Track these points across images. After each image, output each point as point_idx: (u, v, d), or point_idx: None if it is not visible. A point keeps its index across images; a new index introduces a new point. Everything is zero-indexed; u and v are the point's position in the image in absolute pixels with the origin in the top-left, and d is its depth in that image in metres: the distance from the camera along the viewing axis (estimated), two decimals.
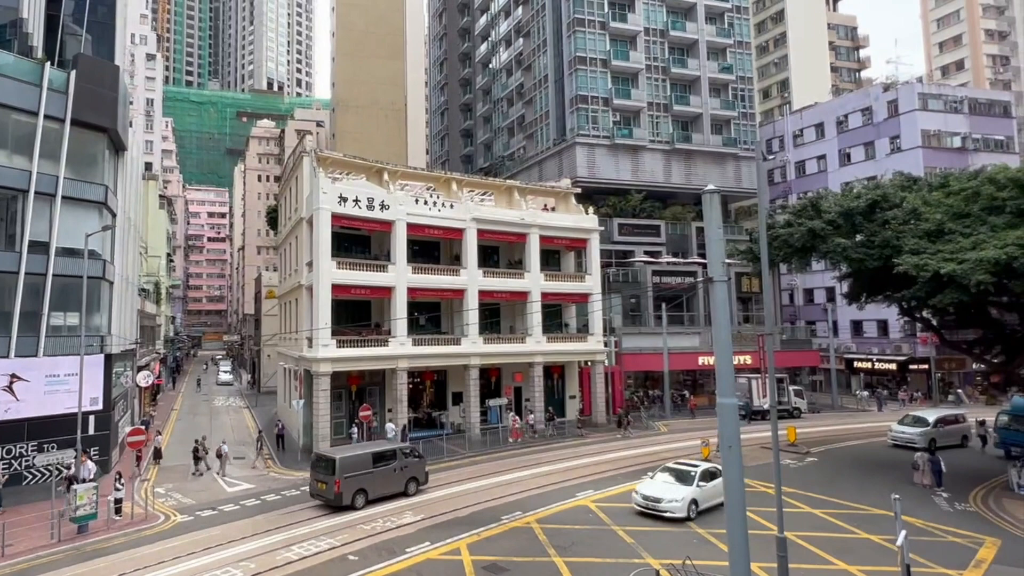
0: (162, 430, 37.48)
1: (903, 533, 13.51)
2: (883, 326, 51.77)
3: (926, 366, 48.47)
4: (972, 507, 21.28)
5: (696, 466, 21.17)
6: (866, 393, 48.70)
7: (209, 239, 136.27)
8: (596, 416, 38.49)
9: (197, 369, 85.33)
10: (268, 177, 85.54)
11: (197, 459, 28.33)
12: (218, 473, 27.65)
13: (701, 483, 20.27)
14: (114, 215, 29.03)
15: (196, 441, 29.24)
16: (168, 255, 66.12)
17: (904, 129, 52.42)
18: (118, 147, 30.12)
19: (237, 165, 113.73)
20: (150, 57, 76.32)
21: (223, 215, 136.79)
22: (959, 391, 47.99)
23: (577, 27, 53.34)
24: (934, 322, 28.51)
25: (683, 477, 20.75)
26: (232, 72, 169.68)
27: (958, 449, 30.94)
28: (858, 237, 26.81)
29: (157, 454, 30.05)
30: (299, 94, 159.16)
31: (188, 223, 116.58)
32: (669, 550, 17.09)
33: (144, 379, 33.98)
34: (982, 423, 31.73)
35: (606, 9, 54.36)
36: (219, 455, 28.47)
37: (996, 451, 29.00)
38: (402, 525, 19.90)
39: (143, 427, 27.83)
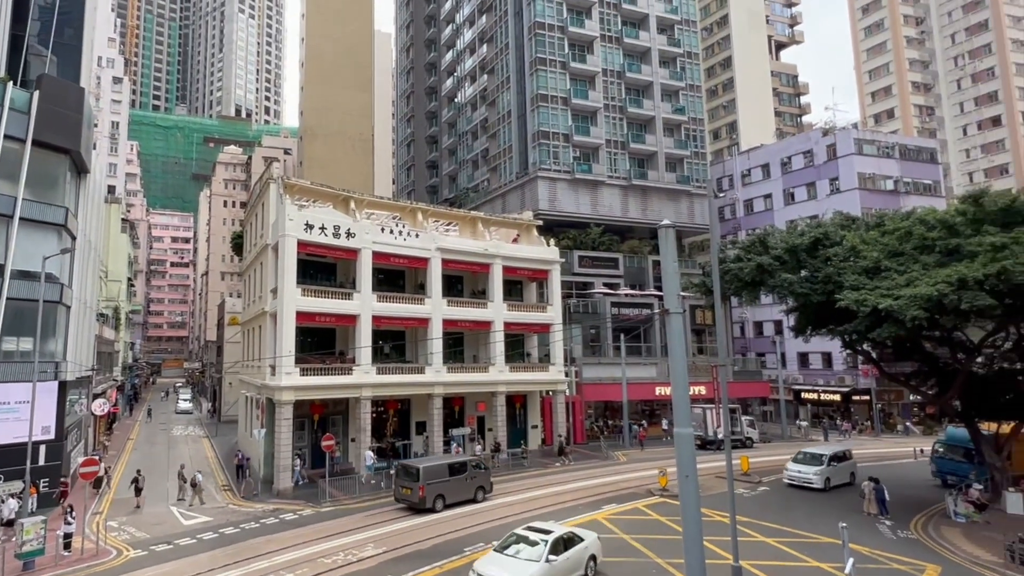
0: (116, 461, 35.66)
1: (851, 561, 13.67)
2: (827, 358, 52.94)
3: (868, 397, 49.74)
4: (914, 534, 21.65)
5: (549, 532, 16.97)
6: (805, 423, 49.59)
7: (172, 264, 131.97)
8: (557, 445, 37.85)
9: (156, 397, 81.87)
10: (234, 203, 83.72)
11: (182, 487, 27.43)
12: (189, 505, 26.54)
13: (552, 556, 16.04)
14: (74, 238, 27.88)
15: (181, 466, 28.47)
16: (129, 280, 63.64)
17: (842, 171, 54.65)
18: (80, 169, 29.06)
19: (203, 190, 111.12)
20: (117, 80, 74.45)
21: (187, 240, 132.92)
22: (907, 423, 49.26)
23: (539, 66, 54.31)
24: (874, 355, 29.23)
25: (529, 548, 16.54)
26: (200, 98, 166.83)
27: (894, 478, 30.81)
28: (803, 272, 27.27)
29: (97, 483, 28.31)
30: (267, 121, 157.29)
31: (151, 247, 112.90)
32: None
33: (100, 407, 32.32)
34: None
35: (566, 50, 55.56)
36: (193, 484, 27.31)
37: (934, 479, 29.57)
38: (363, 559, 19.18)
39: (96, 458, 26.42)
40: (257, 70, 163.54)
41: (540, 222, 43.70)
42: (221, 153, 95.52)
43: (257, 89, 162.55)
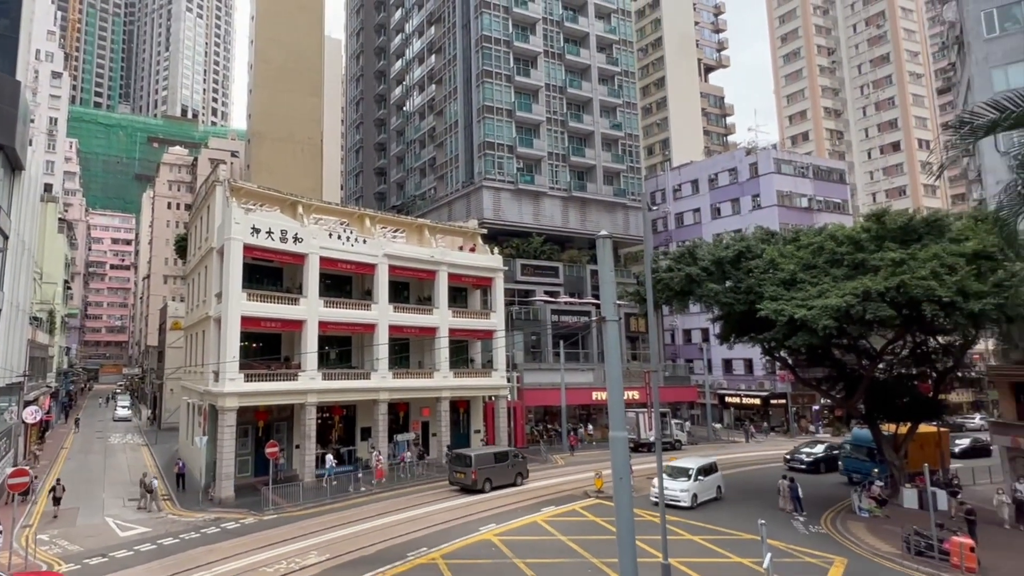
0: (47, 471, 33.25)
1: (768, 556, 14.13)
2: (749, 364, 54.66)
3: (784, 401, 51.76)
4: (824, 529, 22.55)
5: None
6: (718, 425, 50.84)
7: (112, 266, 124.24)
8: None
9: (93, 404, 76.84)
10: (178, 205, 79.82)
11: (149, 492, 26.17)
12: (146, 509, 25.51)
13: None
14: (6, 237, 25.81)
15: (144, 474, 27.26)
16: (65, 282, 59.64)
17: (763, 189, 56.87)
18: (14, 166, 26.92)
19: (146, 191, 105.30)
20: (56, 75, 69.63)
21: (128, 242, 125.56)
22: (818, 425, 51.38)
23: (485, 78, 54.20)
24: (790, 361, 30.25)
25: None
26: (144, 96, 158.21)
27: (808, 475, 31.40)
28: (728, 283, 27.76)
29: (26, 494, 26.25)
30: (214, 123, 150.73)
31: (89, 249, 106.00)
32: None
33: (31, 415, 30.02)
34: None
35: (512, 64, 55.67)
36: (149, 490, 25.94)
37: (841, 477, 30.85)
38: (305, 567, 18.54)
39: (26, 468, 24.52)
40: (204, 70, 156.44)
41: (485, 231, 43.56)
42: (166, 154, 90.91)
43: (204, 90, 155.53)
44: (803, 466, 33.64)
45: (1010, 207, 9.71)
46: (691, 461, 26.96)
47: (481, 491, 27.99)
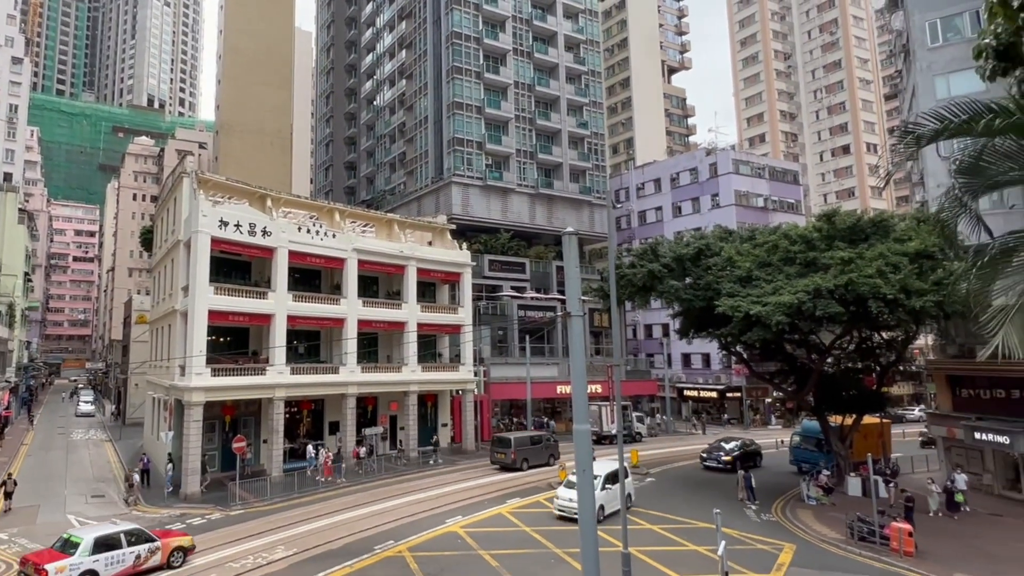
0: (5, 468, 31.82)
1: (723, 543, 14.37)
2: (707, 359, 55.46)
3: (739, 394, 52.76)
4: (775, 517, 23.09)
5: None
6: (665, 417, 51.06)
7: (75, 259, 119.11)
8: (466, 443, 37.78)
9: (55, 399, 73.85)
10: (144, 196, 77.05)
11: (131, 486, 25.60)
12: (129, 501, 24.99)
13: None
14: None
15: (129, 470, 26.81)
16: (26, 274, 57.00)
17: (722, 189, 57.71)
18: None
19: (111, 182, 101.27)
20: (16, 60, 66.08)
21: (92, 234, 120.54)
22: (771, 416, 52.35)
23: (456, 74, 53.62)
24: (745, 355, 30.85)
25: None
26: (110, 85, 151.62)
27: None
28: (688, 280, 28.02)
29: None
30: (181, 114, 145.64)
31: (52, 240, 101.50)
32: (529, 570, 17.01)
33: None
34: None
35: (481, 61, 55.22)
36: (131, 484, 25.38)
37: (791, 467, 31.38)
38: (272, 561, 18.17)
39: None
40: (172, 60, 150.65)
41: (453, 226, 43.19)
42: (131, 144, 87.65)
43: (171, 79, 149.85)
44: (719, 465, 31.03)
45: (950, 209, 9.97)
46: (599, 467, 21.46)
47: (519, 469, 31.00)
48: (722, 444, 33.15)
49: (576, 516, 18.07)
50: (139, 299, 52.23)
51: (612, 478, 22.65)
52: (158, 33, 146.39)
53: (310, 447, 31.04)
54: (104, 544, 16.63)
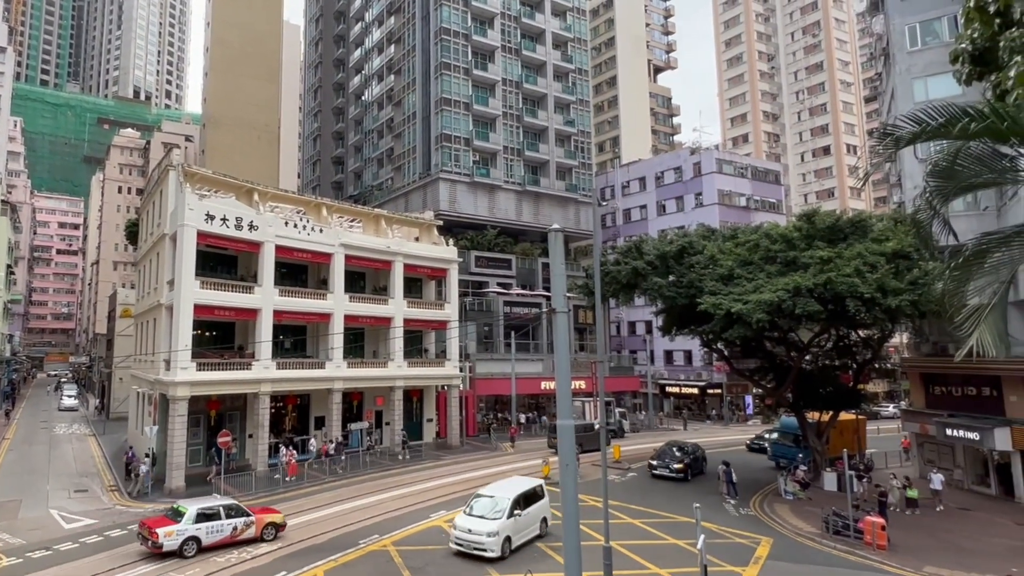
0: None
1: (702, 537, 14.44)
2: (688, 356, 55.79)
3: (720, 391, 53.11)
4: (753, 511, 23.29)
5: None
6: (644, 414, 51.41)
7: (59, 251, 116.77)
8: (451, 438, 37.64)
9: (38, 393, 72.38)
10: (130, 189, 75.70)
11: (136, 476, 25.59)
12: (130, 493, 24.84)
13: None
14: None
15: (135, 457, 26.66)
16: (9, 267, 55.85)
17: (705, 188, 57.95)
18: None
19: (95, 174, 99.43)
20: (0, 50, 64.63)
21: (76, 226, 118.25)
22: (747, 412, 52.83)
23: (444, 70, 53.21)
24: (726, 352, 31.04)
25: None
26: (95, 76, 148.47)
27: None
28: (671, 277, 27.92)
29: None
30: (168, 106, 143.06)
31: (35, 233, 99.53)
32: (512, 565, 16.99)
33: None
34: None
35: (470, 57, 54.82)
36: (137, 474, 25.20)
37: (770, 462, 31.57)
38: (257, 556, 18.00)
39: None
40: (159, 51, 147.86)
41: (440, 222, 42.98)
42: (117, 136, 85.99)
43: (158, 71, 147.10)
44: (671, 474, 27.73)
45: (925, 211, 10.05)
46: (507, 487, 19.02)
47: None
48: (675, 451, 29.37)
49: (476, 551, 17.02)
50: (124, 293, 51.37)
51: (526, 499, 18.60)
52: (144, 24, 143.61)
53: (312, 440, 30.86)
54: (206, 515, 18.37)
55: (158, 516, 18.92)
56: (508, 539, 17.64)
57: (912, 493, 23.02)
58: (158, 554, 17.65)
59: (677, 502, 23.76)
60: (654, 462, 28.74)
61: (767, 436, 35.32)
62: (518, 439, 39.34)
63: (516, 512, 18.08)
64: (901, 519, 21.85)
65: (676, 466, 27.99)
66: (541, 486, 20.02)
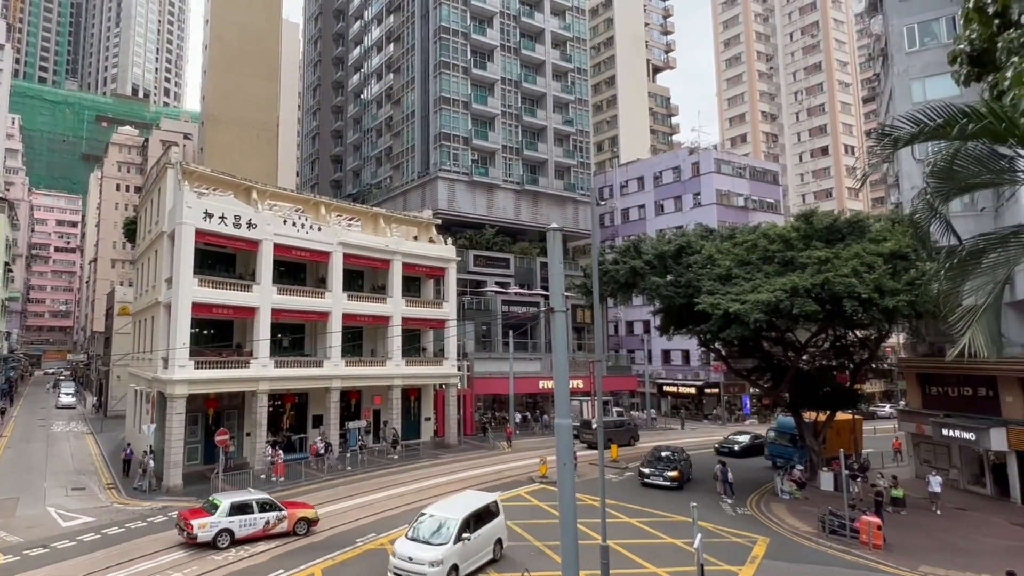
0: None
1: (699, 536, 14.45)
2: (686, 355, 55.77)
3: (717, 390, 53.14)
4: (749, 511, 23.32)
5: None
6: (641, 413, 51.83)
7: (57, 249, 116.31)
8: (449, 437, 37.60)
9: (36, 391, 72.12)
10: (128, 187, 75.50)
11: (143, 472, 25.67)
12: (137, 488, 25.15)
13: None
14: None
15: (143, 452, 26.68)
16: (7, 264, 55.73)
17: (704, 187, 57.96)
18: None
19: (94, 172, 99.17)
20: None
21: (74, 224, 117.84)
22: (743, 412, 52.91)
23: (443, 69, 53.12)
24: (723, 352, 31.09)
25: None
26: (93, 73, 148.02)
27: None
28: (668, 277, 27.99)
29: None
30: (166, 103, 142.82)
31: (33, 230, 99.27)
32: (508, 562, 16.99)
33: None
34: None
35: (469, 56, 54.74)
36: (144, 469, 25.26)
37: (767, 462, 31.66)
38: (255, 554, 17.99)
39: None
40: (157, 48, 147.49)
41: (439, 221, 42.96)
42: (115, 133, 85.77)
43: (157, 68, 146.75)
44: (665, 482, 26.04)
45: (923, 211, 10.06)
46: (455, 506, 16.96)
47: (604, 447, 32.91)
48: (662, 454, 28.01)
49: None
50: (122, 291, 51.32)
51: (478, 520, 16.47)
52: (143, 22, 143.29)
53: (318, 438, 30.81)
54: (239, 508, 18.92)
55: (197, 507, 19.61)
56: (455, 568, 15.28)
57: (897, 492, 23.02)
58: (193, 545, 18.21)
59: (674, 501, 23.78)
60: (645, 470, 26.80)
61: (738, 439, 35.23)
62: (516, 438, 39.28)
63: (465, 536, 15.77)
64: (896, 519, 21.89)
65: (671, 474, 26.20)
66: (495, 503, 17.90)
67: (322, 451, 30.55)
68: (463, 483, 27.30)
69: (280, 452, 28.70)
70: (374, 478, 28.44)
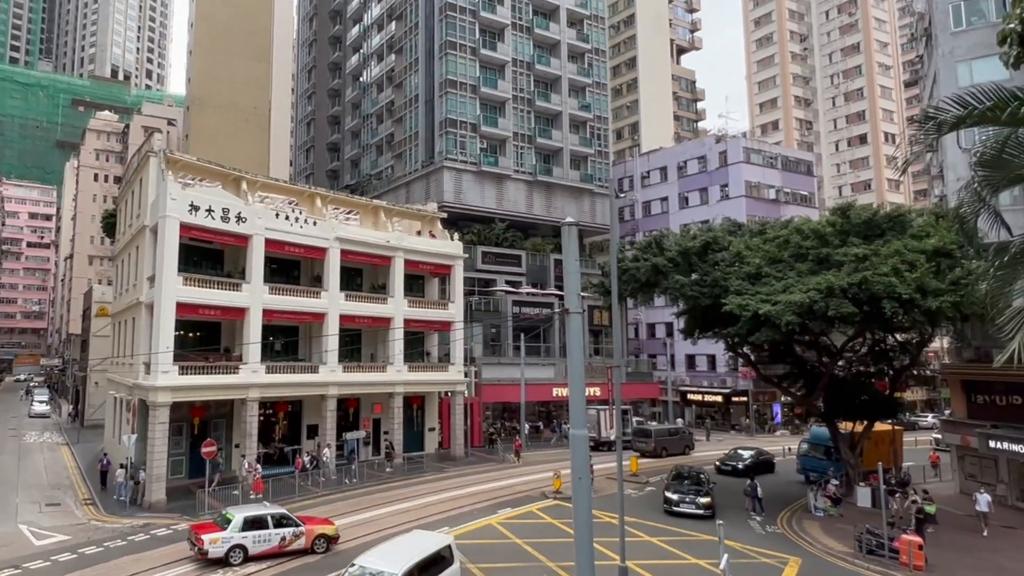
0: None
1: (725, 557, 14.64)
2: (712, 360, 55.76)
3: (746, 399, 53.18)
4: (780, 529, 23.43)
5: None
6: (680, 422, 52.13)
7: (29, 244, 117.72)
8: (455, 449, 37.82)
9: (6, 398, 72.83)
10: (107, 177, 76.54)
11: (136, 484, 26.07)
12: (130, 500, 25.52)
13: None
14: None
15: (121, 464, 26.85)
16: None
17: (731, 179, 57.96)
18: None
19: (69, 160, 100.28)
20: None
21: (48, 217, 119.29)
22: (775, 422, 52.77)
23: (449, 50, 53.25)
24: (752, 357, 31.26)
25: None
26: (69, 54, 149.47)
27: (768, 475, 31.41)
28: (693, 276, 28.07)
29: None
30: (148, 86, 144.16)
31: (3, 224, 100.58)
32: None
33: None
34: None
35: (477, 36, 54.87)
36: (136, 481, 25.63)
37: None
38: (268, 572, 18.37)
39: None
40: (139, 27, 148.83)
41: (444, 215, 43.27)
42: (93, 119, 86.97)
43: (138, 49, 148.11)
44: (698, 511, 24.41)
45: (970, 204, 10.10)
46: (397, 552, 15.07)
47: (659, 456, 38.33)
48: (690, 475, 26.98)
49: None
50: (100, 289, 52.00)
51: (422, 571, 14.54)
52: None
53: (326, 450, 31.16)
54: (253, 523, 19.21)
55: (208, 522, 20.05)
56: None
57: (930, 508, 23.03)
58: (203, 560, 18.55)
59: (700, 519, 23.88)
60: (672, 495, 25.09)
61: (743, 455, 34.31)
62: (527, 450, 39.45)
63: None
64: (940, 538, 21.87)
65: (703, 500, 24.59)
66: (449, 547, 16.08)
67: (308, 465, 30.33)
68: (470, 499, 27.60)
69: (259, 467, 28.23)
70: (373, 493, 28.70)
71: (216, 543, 18.45)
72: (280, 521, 19.63)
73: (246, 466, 27.97)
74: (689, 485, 25.85)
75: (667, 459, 37.16)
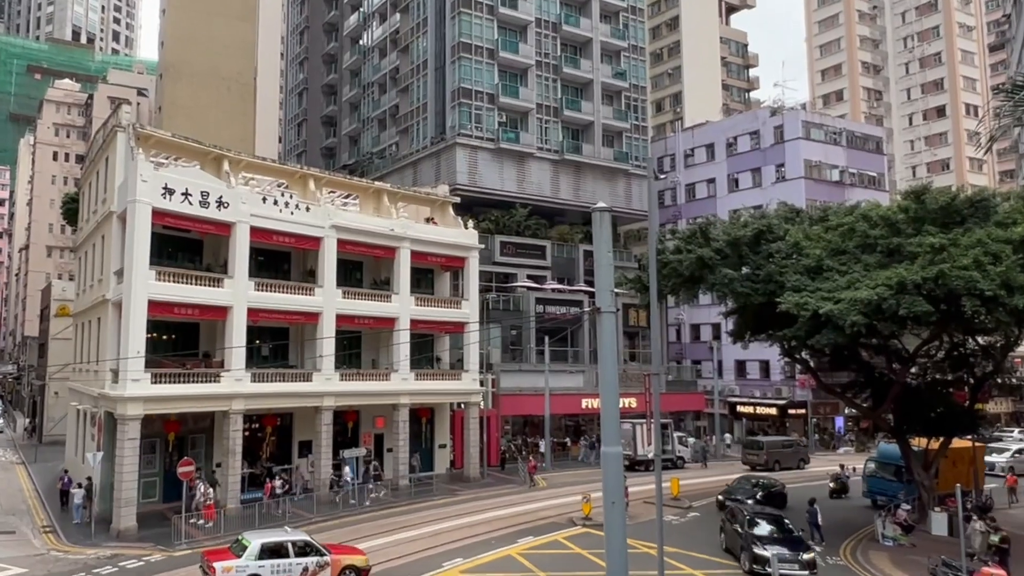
0: None
1: None
2: (765, 367, 55.88)
3: (804, 411, 53.19)
4: (843, 560, 23.60)
5: None
6: (728, 437, 52.93)
7: None
8: (469, 468, 38.17)
9: None
10: (68, 156, 78.13)
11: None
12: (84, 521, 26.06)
13: None
14: None
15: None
16: None
17: (788, 157, 57.89)
18: None
19: (24, 136, 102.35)
20: None
21: (1, 202, 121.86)
22: (845, 437, 52.51)
23: (462, 8, 53.26)
24: (812, 363, 31.38)
25: None
26: (23, 13, 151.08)
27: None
28: (744, 270, 28.12)
29: None
30: (115, 51, 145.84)
31: None
32: None
33: None
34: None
35: None
36: (90, 498, 26.38)
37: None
38: None
39: None
40: None
41: (457, 199, 43.42)
42: (51, 88, 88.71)
43: (103, 7, 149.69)
44: (802, 570, 20.33)
45: None
46: None
47: (771, 469, 40.58)
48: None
49: None
50: (60, 285, 53.18)
51: None
52: None
53: (347, 468, 32.11)
54: (271, 551, 19.60)
55: (223, 548, 20.43)
56: None
57: (993, 538, 23.06)
58: None
59: None
60: (763, 551, 20.53)
61: (761, 481, 31.99)
62: (553, 470, 39.79)
63: None
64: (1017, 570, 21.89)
65: (807, 557, 20.82)
66: None
67: (279, 491, 30.46)
68: (487, 525, 27.95)
69: (210, 491, 28.48)
70: (376, 520, 29.10)
71: (230, 572, 18.71)
72: (303, 549, 19.89)
73: (199, 491, 27.82)
74: (779, 532, 22.27)
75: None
